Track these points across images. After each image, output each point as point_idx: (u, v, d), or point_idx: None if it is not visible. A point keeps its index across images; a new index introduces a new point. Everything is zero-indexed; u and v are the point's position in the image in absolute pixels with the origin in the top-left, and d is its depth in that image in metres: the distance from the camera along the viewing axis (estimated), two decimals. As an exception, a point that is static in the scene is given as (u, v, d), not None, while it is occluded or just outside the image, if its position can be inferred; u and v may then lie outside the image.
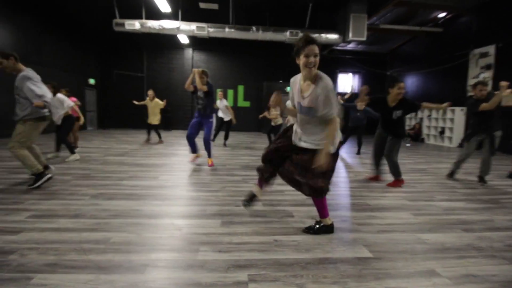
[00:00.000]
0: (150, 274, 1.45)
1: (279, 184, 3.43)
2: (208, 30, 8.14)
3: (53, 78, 5.95)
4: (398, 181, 3.56)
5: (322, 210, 2.02)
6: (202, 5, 8.33)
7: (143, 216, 2.24)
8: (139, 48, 12.04)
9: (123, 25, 7.84)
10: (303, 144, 1.95)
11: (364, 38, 8.63)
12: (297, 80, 1.94)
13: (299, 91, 1.90)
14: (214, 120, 4.38)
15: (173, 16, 8.38)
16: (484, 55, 8.26)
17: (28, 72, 2.86)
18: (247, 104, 13.13)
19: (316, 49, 1.73)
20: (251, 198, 2.20)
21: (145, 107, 7.20)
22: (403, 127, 3.54)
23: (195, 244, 1.80)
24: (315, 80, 1.82)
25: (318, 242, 1.89)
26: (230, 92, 13.02)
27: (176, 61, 12.44)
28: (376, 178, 3.82)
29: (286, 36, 8.55)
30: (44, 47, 8.65)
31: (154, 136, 7.83)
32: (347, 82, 13.87)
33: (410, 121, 11.68)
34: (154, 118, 7.05)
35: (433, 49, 10.39)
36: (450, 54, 9.42)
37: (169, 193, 2.90)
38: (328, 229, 2.05)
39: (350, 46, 12.54)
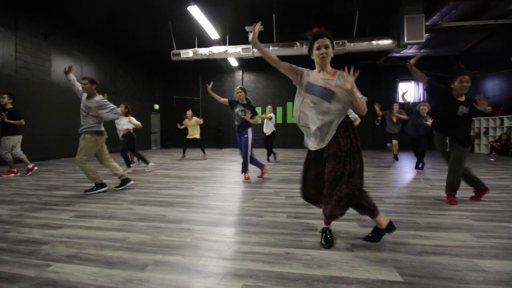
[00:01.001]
0: (148, 273, 1.46)
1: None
2: (253, 50, 8.53)
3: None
4: (453, 197, 2.94)
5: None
6: (248, 28, 8.83)
7: (165, 220, 2.33)
8: (195, 74, 13.36)
9: (179, 54, 8.86)
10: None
11: (422, 40, 7.76)
12: (314, 71, 1.95)
13: (318, 78, 1.86)
14: (250, 135, 4.28)
15: (222, 41, 9.10)
16: None
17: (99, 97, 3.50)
18: (296, 120, 13.00)
19: (326, 41, 1.79)
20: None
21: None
22: (469, 131, 2.91)
23: (201, 249, 1.76)
24: (334, 73, 1.84)
25: (337, 260, 1.64)
26: (279, 110, 13.15)
27: (227, 84, 13.32)
28: (482, 192, 3.04)
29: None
30: (119, 79, 10.38)
31: (188, 151, 8.33)
32: (409, 92, 12.53)
33: (495, 132, 9.72)
34: (196, 133, 7.61)
35: (517, 44, 8.69)
36: (542, 47, 7.70)
37: (197, 202, 2.97)
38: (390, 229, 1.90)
39: (411, 52, 11.41)
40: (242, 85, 13.08)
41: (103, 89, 8.98)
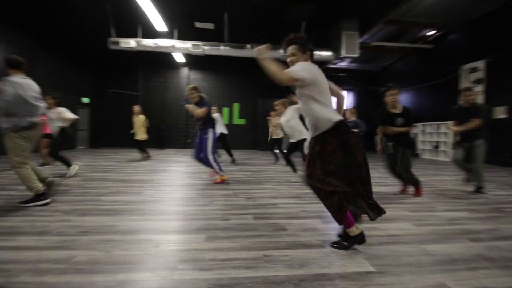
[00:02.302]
0: (113, 297, 1.22)
1: (271, 197, 3.24)
2: (203, 48, 8.23)
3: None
4: (420, 189, 3.48)
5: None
6: (198, 24, 8.50)
7: (117, 232, 2.01)
8: (134, 67, 12.15)
9: (118, 43, 7.90)
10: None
11: (356, 55, 8.79)
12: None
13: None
14: (210, 135, 4.00)
15: (169, 35, 8.51)
16: (474, 70, 8.44)
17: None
18: (242, 121, 13.12)
19: (292, 50, 1.82)
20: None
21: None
22: (410, 136, 3.45)
23: (173, 261, 1.58)
24: None
25: (314, 257, 1.68)
26: (226, 110, 13.03)
27: (172, 80, 12.53)
28: (404, 190, 3.69)
29: (280, 53, 8.68)
30: (38, 65, 8.64)
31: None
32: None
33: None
34: (138, 134, 6.91)
35: (425, 66, 10.65)
36: (441, 70, 9.64)
37: (151, 208, 2.67)
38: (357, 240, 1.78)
39: (344, 64, 12.85)
40: (188, 83, 12.50)
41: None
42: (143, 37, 8.36)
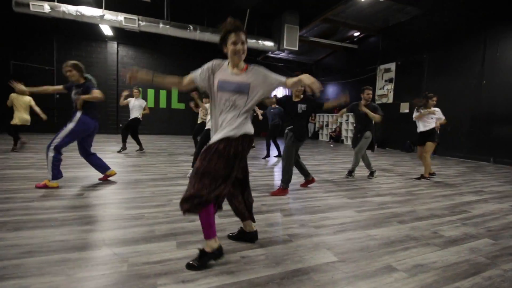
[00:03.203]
0: (98, 329, 1.12)
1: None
2: (139, 23, 7.31)
3: None
4: (283, 190, 3.32)
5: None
6: (131, -5, 7.47)
7: (72, 248, 1.77)
8: (48, 36, 9.91)
9: (27, 5, 6.25)
10: (218, 136, 1.65)
11: (296, 48, 9.28)
12: (223, 64, 1.77)
13: (230, 74, 1.72)
14: (72, 124, 3.15)
15: (94, 3, 7.21)
16: (388, 70, 9.99)
17: None
18: (181, 106, 12.47)
19: (243, 37, 1.68)
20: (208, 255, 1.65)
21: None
22: (305, 127, 3.56)
23: (149, 277, 1.50)
24: (246, 69, 1.74)
25: (286, 253, 1.85)
26: (163, 94, 12.12)
27: (97, 55, 10.79)
28: (308, 182, 3.74)
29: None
30: None
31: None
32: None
33: (332, 125, 13.21)
34: (16, 117, 5.66)
35: (350, 63, 12.02)
36: (363, 68, 11.05)
37: (102, 214, 2.40)
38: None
39: (282, 55, 13.39)
40: (117, 60, 11.00)
41: None
42: (60, 1, 6.87)
